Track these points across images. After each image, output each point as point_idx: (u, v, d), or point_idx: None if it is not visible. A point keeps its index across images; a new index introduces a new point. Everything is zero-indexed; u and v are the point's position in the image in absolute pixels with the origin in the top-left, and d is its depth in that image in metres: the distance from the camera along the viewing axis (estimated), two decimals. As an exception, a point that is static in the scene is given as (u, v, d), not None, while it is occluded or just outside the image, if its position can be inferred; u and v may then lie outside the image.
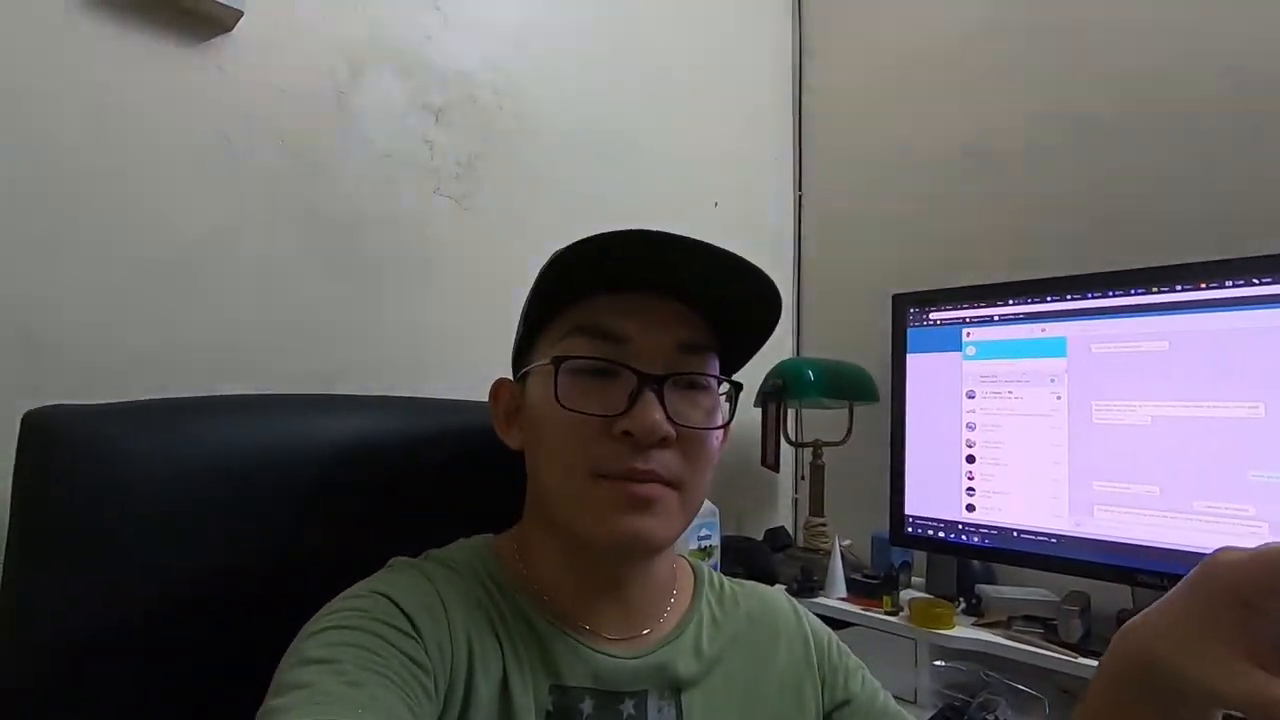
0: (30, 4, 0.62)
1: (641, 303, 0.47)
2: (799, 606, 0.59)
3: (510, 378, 0.55)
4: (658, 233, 0.44)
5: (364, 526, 0.57)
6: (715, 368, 0.50)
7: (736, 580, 0.59)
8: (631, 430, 0.44)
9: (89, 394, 0.55)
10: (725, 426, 0.51)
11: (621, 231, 0.44)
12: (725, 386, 0.51)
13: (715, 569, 0.66)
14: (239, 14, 0.72)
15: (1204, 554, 0.90)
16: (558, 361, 0.46)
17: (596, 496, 0.45)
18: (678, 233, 0.44)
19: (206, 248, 0.72)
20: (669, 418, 0.45)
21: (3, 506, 0.47)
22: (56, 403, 0.50)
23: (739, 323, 0.50)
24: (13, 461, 0.47)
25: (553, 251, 0.51)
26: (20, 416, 0.48)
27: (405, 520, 0.59)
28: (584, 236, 0.45)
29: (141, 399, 0.54)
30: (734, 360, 0.54)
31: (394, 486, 0.60)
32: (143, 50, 0.68)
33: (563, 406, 0.45)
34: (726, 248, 0.45)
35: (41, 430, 0.48)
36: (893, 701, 0.57)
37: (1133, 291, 0.93)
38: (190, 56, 0.71)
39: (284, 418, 0.58)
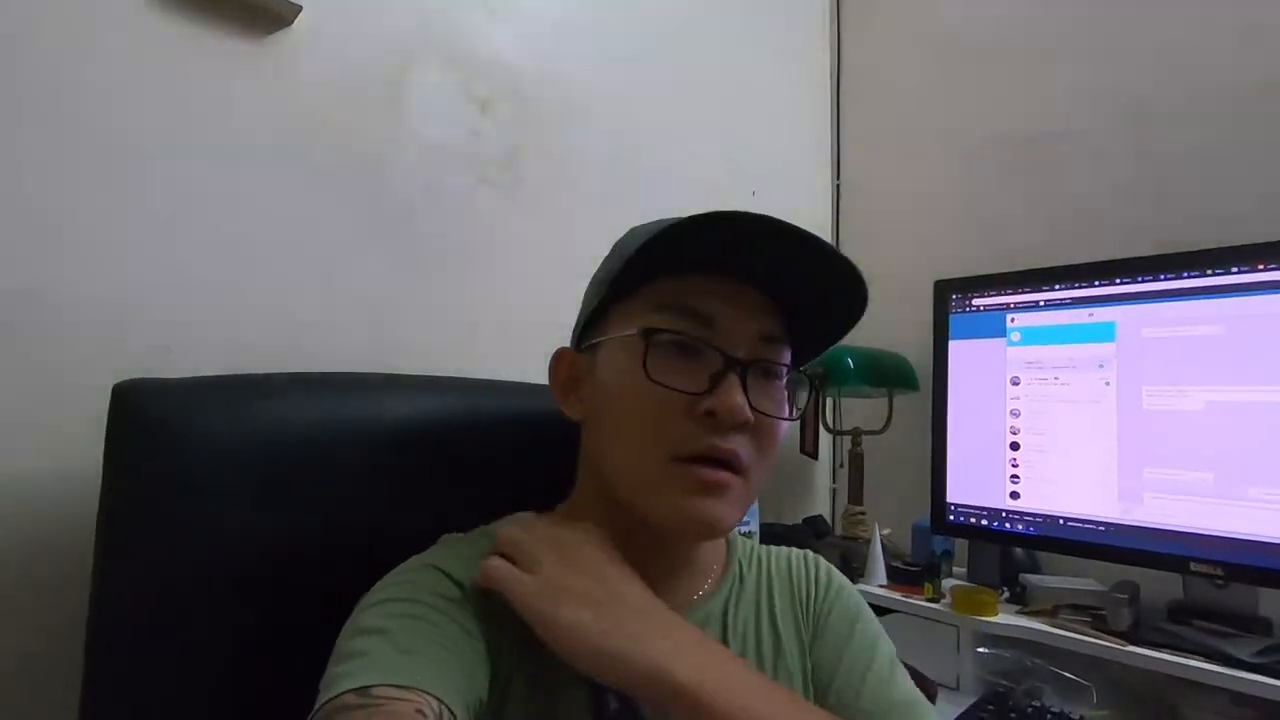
0: (115, 1, 0.66)
1: (731, 288, 0.48)
2: (808, 560, 0.58)
3: (568, 347, 0.55)
4: (751, 215, 0.43)
5: (425, 500, 0.59)
6: (789, 360, 0.51)
7: (772, 548, 0.60)
8: (715, 410, 0.44)
9: (164, 370, 0.58)
10: (795, 419, 0.51)
11: (718, 213, 0.43)
12: (793, 377, 0.51)
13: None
14: (298, 9, 0.75)
15: (1258, 541, 0.88)
16: (648, 334, 0.46)
17: (671, 478, 0.45)
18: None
19: (271, 232, 0.75)
20: (750, 404, 0.45)
21: (93, 478, 0.50)
22: (142, 376, 0.53)
23: (819, 316, 0.51)
24: (103, 432, 0.50)
25: (630, 229, 0.53)
26: (110, 389, 0.51)
27: (462, 496, 0.61)
28: (674, 217, 0.45)
29: (212, 375, 0.57)
30: (803, 355, 0.54)
31: (453, 463, 0.62)
32: (210, 44, 0.71)
33: (651, 379, 0.45)
34: (858, 270, 0.47)
35: (131, 401, 0.51)
36: (900, 678, 0.52)
37: (1184, 275, 0.91)
38: (253, 50, 0.74)
39: (350, 395, 0.61)
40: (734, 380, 0.45)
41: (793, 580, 0.56)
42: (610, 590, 0.42)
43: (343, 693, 0.36)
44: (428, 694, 0.36)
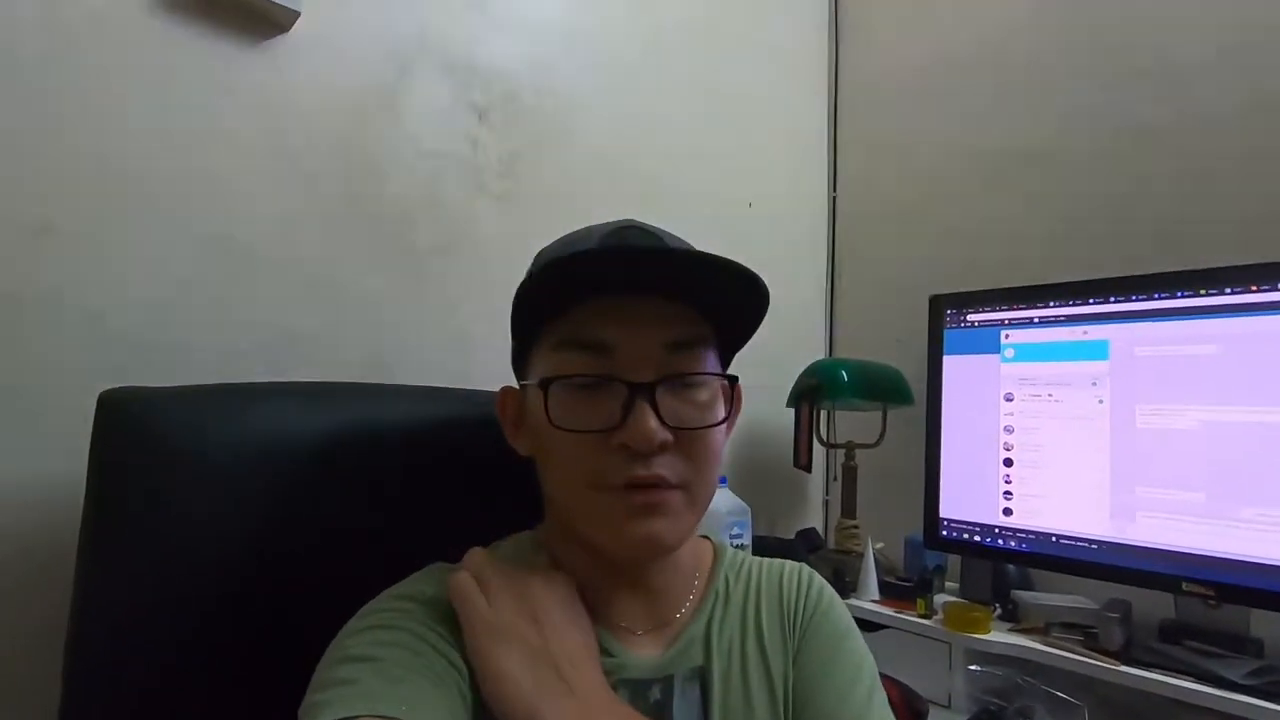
0: (113, 4, 0.65)
1: (623, 306, 0.46)
2: (801, 574, 0.57)
3: (513, 385, 0.55)
4: (624, 249, 0.45)
5: (413, 513, 0.59)
6: (710, 359, 0.49)
7: (762, 560, 0.59)
8: (628, 443, 0.44)
9: (152, 378, 0.57)
10: (724, 422, 0.49)
11: (583, 252, 0.44)
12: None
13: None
14: (296, 14, 0.75)
15: (1251, 561, 0.88)
16: (545, 384, 0.46)
17: (603, 506, 0.45)
18: (655, 227, 0.45)
19: (264, 240, 0.75)
20: (664, 423, 0.44)
21: (77, 483, 0.49)
22: (128, 385, 0.53)
23: (730, 312, 0.49)
24: (87, 439, 0.50)
25: (538, 251, 0.53)
26: (95, 397, 0.51)
27: (454, 507, 0.61)
28: (570, 236, 0.46)
29: (202, 383, 0.56)
30: (734, 344, 0.53)
31: (445, 474, 0.62)
32: (207, 49, 0.71)
33: (557, 427, 0.45)
34: (735, 262, 0.44)
35: (116, 409, 0.50)
36: (879, 702, 0.51)
37: (1179, 294, 0.91)
38: (251, 55, 0.74)
39: (340, 405, 0.60)
40: (643, 407, 0.44)
41: (782, 593, 0.55)
42: (549, 639, 0.43)
43: None
44: None
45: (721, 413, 0.49)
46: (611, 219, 0.53)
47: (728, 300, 0.48)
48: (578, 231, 0.52)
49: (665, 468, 0.45)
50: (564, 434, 0.45)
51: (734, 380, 0.50)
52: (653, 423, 0.44)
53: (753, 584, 0.56)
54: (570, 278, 0.45)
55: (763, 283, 0.46)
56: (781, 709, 0.50)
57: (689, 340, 0.48)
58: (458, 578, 0.44)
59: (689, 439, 0.46)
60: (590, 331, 0.46)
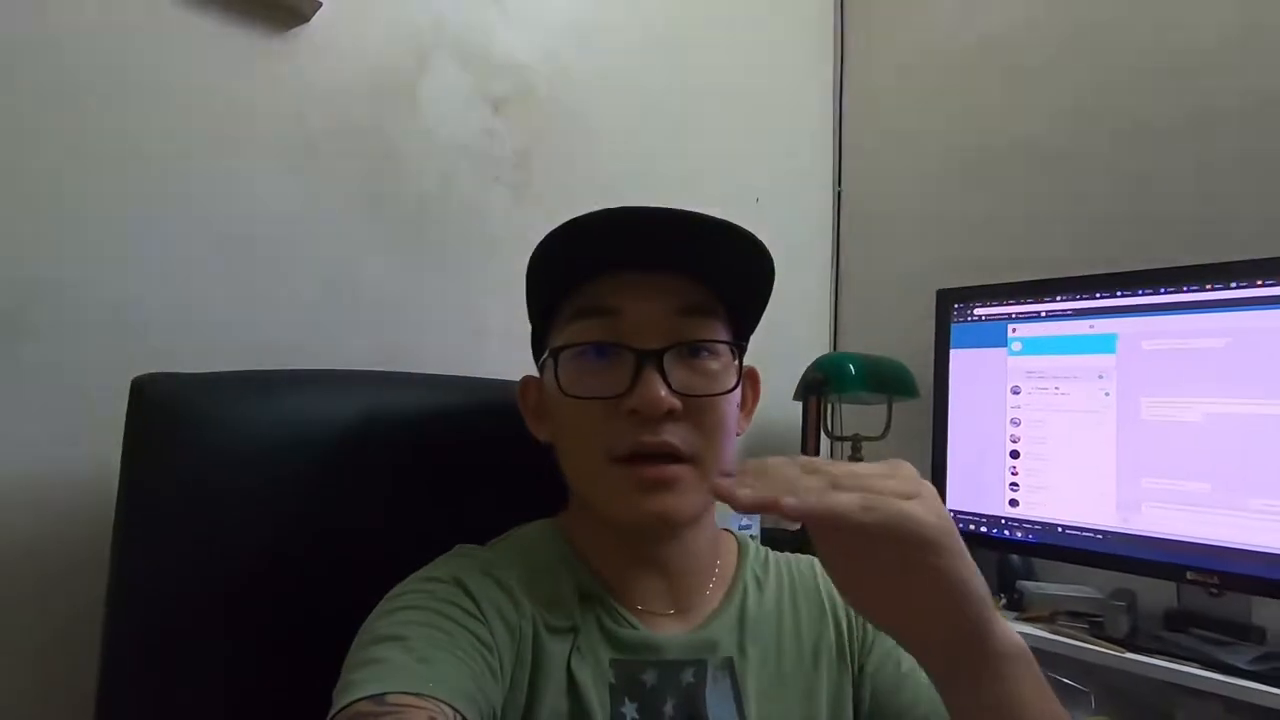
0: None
1: (640, 276, 0.47)
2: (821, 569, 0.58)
3: (535, 375, 0.56)
4: (628, 210, 0.44)
5: (439, 499, 0.60)
6: (719, 330, 0.50)
7: (782, 554, 0.60)
8: (636, 408, 0.44)
9: (174, 365, 0.57)
10: (734, 389, 0.49)
11: (595, 214, 0.45)
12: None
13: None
14: (318, 5, 0.75)
15: (1253, 550, 0.89)
16: (555, 352, 0.47)
17: (615, 480, 0.46)
18: (665, 206, 0.45)
19: (283, 230, 0.75)
20: (673, 390, 0.45)
21: (111, 469, 0.50)
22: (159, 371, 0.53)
23: (739, 281, 0.50)
24: (119, 426, 0.50)
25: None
26: (128, 385, 0.51)
27: (477, 495, 0.61)
28: (577, 218, 0.46)
29: (224, 370, 0.56)
30: (745, 325, 0.53)
31: (468, 463, 0.62)
32: (228, 39, 0.71)
33: (567, 395, 0.46)
34: (737, 225, 0.46)
35: (150, 395, 0.50)
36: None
37: (1185, 288, 0.92)
38: (272, 45, 0.74)
39: (366, 392, 0.61)
40: (650, 373, 0.45)
41: (820, 585, 0.56)
42: None
43: (358, 699, 0.36)
44: (442, 702, 0.37)
45: (732, 382, 0.49)
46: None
47: (734, 269, 0.49)
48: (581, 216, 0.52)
49: (675, 436, 0.45)
50: (575, 403, 0.46)
51: (742, 347, 0.51)
52: (660, 389, 0.44)
53: (785, 577, 0.56)
54: (577, 237, 0.45)
55: (764, 246, 0.47)
56: (824, 699, 0.51)
57: (698, 307, 0.48)
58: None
59: (699, 408, 0.47)
60: (599, 299, 0.47)
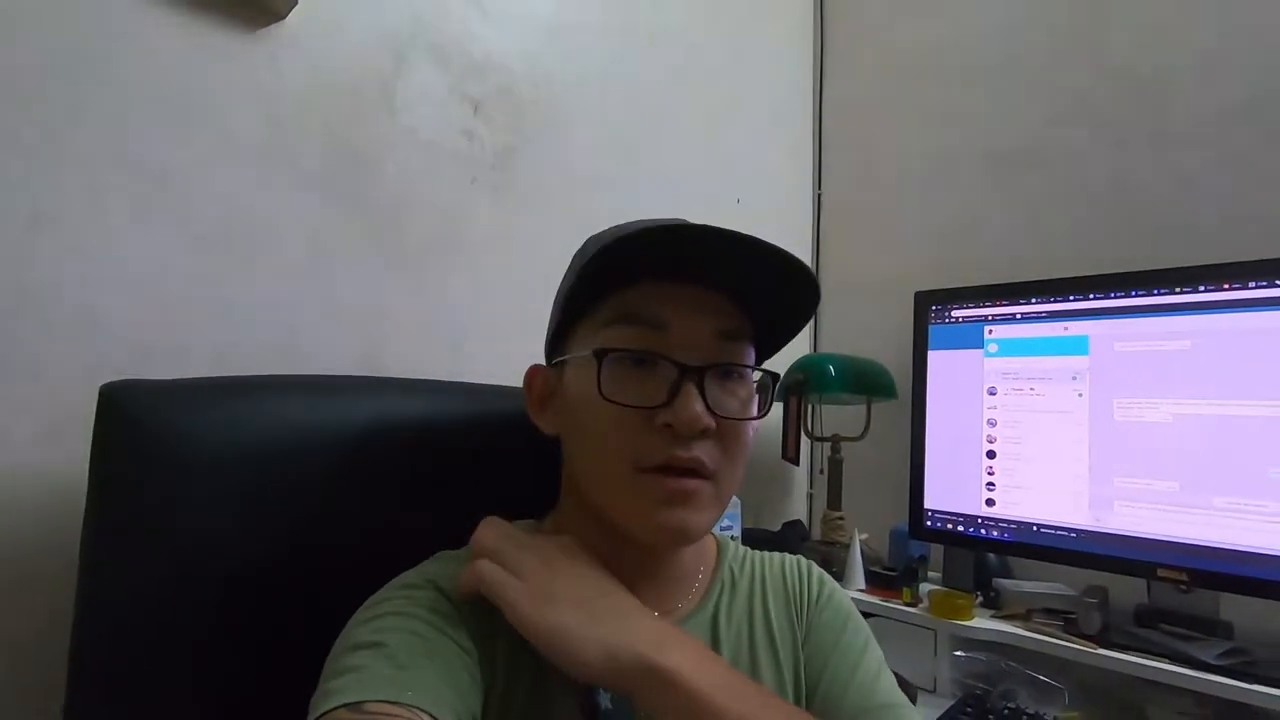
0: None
1: (685, 290, 0.48)
2: (801, 565, 0.59)
3: (542, 364, 0.56)
4: (697, 226, 0.44)
5: (416, 505, 0.59)
6: (751, 357, 0.51)
7: (759, 553, 0.60)
8: (673, 423, 0.45)
9: (147, 371, 0.56)
10: (761, 416, 0.51)
11: (662, 224, 0.44)
12: (758, 376, 0.51)
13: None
14: (294, 3, 0.74)
15: (1221, 548, 0.91)
16: (600, 354, 0.46)
17: (638, 490, 0.45)
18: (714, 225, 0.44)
19: (259, 231, 0.73)
20: (709, 409, 0.45)
21: (78, 477, 0.49)
22: (128, 378, 0.52)
23: (776, 310, 0.51)
24: (88, 433, 0.49)
25: (587, 238, 0.53)
26: (93, 389, 0.50)
27: (454, 500, 0.60)
28: (623, 225, 0.46)
29: (200, 376, 0.55)
30: (765, 349, 0.54)
31: (444, 467, 0.62)
32: (201, 36, 0.69)
33: (607, 399, 0.45)
34: (794, 256, 0.46)
35: (119, 403, 0.49)
36: (886, 681, 0.53)
37: (1155, 292, 0.94)
38: (246, 43, 0.72)
39: (341, 398, 0.60)
40: (690, 389, 0.45)
41: (786, 584, 0.57)
42: (592, 593, 0.44)
43: (335, 708, 0.36)
44: (421, 710, 0.37)
45: (760, 409, 0.50)
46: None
47: (780, 299, 0.49)
48: (629, 223, 0.51)
49: (704, 453, 0.46)
50: (609, 408, 0.45)
51: (775, 376, 0.52)
52: (699, 405, 0.45)
53: (757, 575, 0.57)
54: (637, 250, 0.45)
55: (815, 285, 0.49)
56: (791, 694, 0.52)
57: (738, 332, 0.49)
58: (477, 566, 0.44)
59: (729, 429, 0.47)
60: (648, 308, 0.47)
